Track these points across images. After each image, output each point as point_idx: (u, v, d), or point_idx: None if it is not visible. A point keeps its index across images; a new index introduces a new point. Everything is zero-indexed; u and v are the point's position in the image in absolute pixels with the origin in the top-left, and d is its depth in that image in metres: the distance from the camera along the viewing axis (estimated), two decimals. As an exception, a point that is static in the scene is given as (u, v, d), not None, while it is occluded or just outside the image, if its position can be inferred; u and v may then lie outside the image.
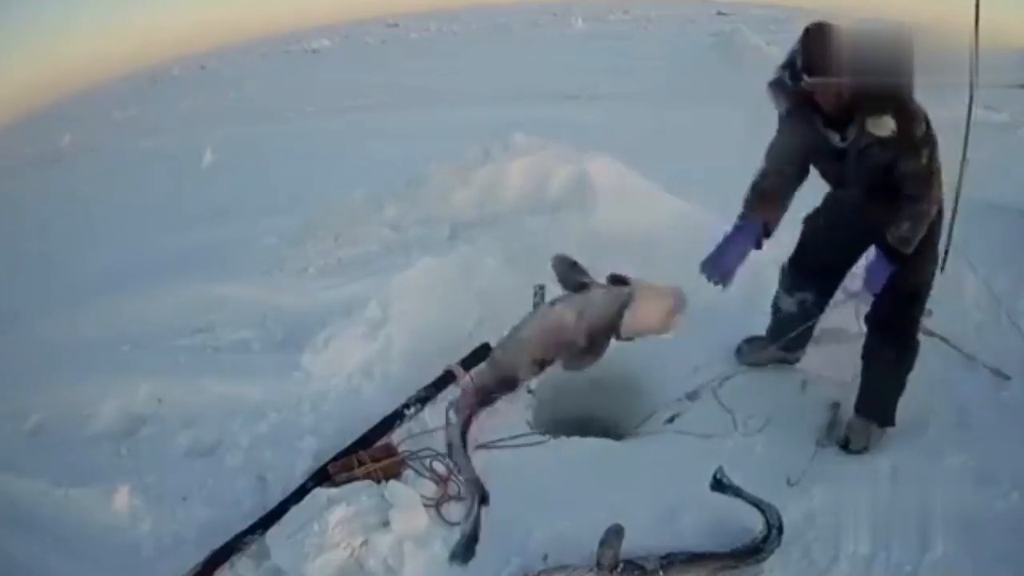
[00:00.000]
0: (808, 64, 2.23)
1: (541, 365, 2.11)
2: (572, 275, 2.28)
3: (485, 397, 2.18)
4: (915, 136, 2.28)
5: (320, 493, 2.38)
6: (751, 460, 2.65)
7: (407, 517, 2.30)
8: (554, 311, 2.16)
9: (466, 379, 3.12)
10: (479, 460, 2.77)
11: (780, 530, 2.24)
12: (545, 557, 2.18)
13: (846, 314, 3.09)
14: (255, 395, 3.05)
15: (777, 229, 2.62)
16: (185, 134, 11.36)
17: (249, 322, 3.62)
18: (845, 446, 2.73)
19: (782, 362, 3.14)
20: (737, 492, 2.34)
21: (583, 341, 2.07)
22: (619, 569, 2.13)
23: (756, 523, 2.27)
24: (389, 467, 2.63)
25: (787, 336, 2.99)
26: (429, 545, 2.35)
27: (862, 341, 3.20)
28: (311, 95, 13.98)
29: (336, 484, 2.48)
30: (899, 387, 2.74)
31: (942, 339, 3.20)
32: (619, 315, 2.11)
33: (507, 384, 2.18)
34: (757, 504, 2.30)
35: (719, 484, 2.37)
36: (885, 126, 2.28)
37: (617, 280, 2.21)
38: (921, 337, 2.78)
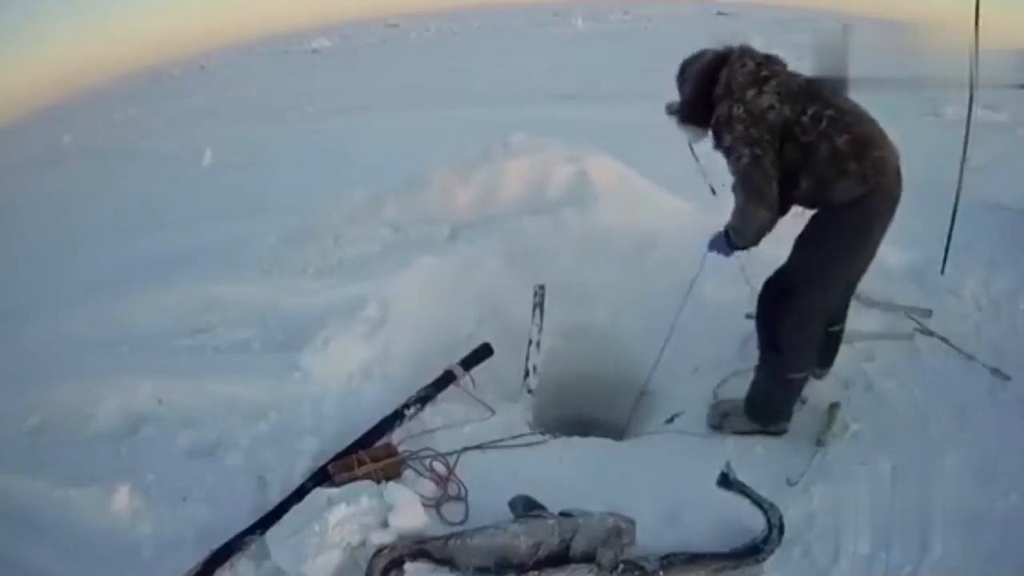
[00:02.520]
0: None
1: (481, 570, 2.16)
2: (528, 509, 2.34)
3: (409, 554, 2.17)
4: (723, 145, 2.47)
5: (320, 493, 2.37)
6: (751, 460, 2.65)
7: (407, 517, 2.29)
8: (510, 531, 2.20)
9: (466, 379, 3.13)
10: (480, 460, 2.78)
11: (781, 530, 2.23)
12: None
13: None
14: (255, 395, 3.05)
15: None
16: (185, 134, 11.36)
17: (249, 322, 3.62)
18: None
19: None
20: (742, 489, 2.34)
21: (530, 564, 2.14)
22: (619, 569, 2.13)
23: (756, 523, 2.27)
24: (389, 467, 2.63)
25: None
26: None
27: (860, 341, 3.22)
28: (311, 95, 13.99)
29: (336, 484, 2.48)
30: (764, 387, 2.75)
31: (942, 339, 3.20)
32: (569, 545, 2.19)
33: (429, 557, 2.19)
34: (759, 503, 2.29)
35: (725, 480, 2.37)
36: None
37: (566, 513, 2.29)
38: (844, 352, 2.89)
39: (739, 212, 2.53)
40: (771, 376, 2.72)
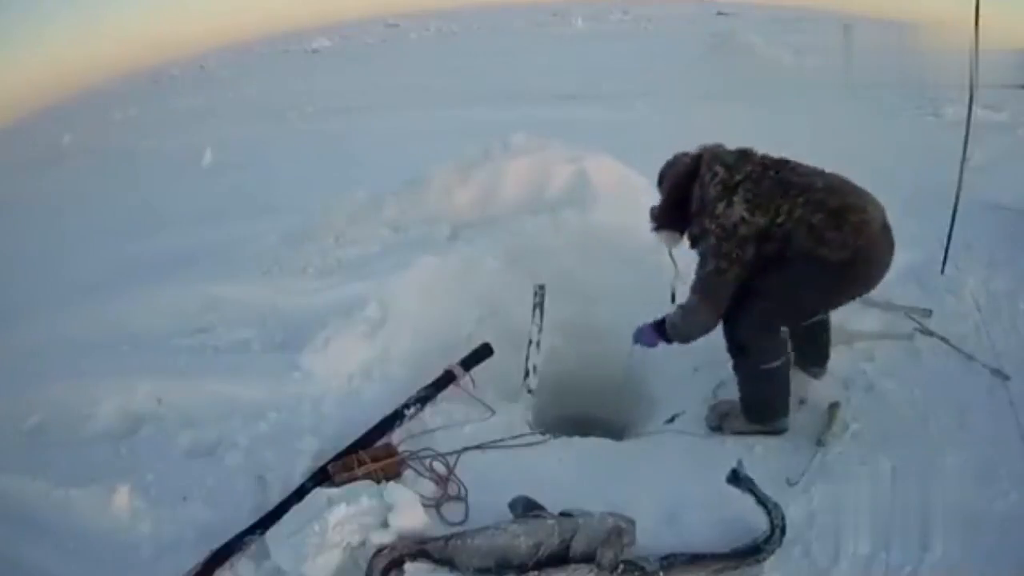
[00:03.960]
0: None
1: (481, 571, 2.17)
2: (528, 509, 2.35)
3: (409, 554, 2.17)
4: (697, 251, 2.61)
5: (320, 493, 2.38)
6: (751, 460, 2.64)
7: (407, 517, 2.29)
8: (510, 531, 2.20)
9: (466, 379, 3.13)
10: (480, 460, 2.78)
11: (783, 530, 2.23)
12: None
13: (846, 314, 3.09)
14: (255, 395, 3.05)
15: None
16: (185, 134, 11.37)
17: (249, 322, 3.62)
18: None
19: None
20: (751, 487, 2.34)
21: (530, 565, 2.15)
22: (619, 569, 2.13)
23: (757, 523, 2.27)
24: (389, 467, 2.63)
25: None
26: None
27: (860, 341, 3.22)
28: (311, 95, 14.01)
29: (336, 484, 2.48)
30: (748, 386, 2.77)
31: (942, 339, 3.20)
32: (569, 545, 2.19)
33: (429, 557, 2.20)
34: (764, 502, 2.29)
35: (735, 476, 2.37)
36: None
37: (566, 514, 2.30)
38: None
39: (689, 312, 2.64)
40: (748, 373, 2.74)
